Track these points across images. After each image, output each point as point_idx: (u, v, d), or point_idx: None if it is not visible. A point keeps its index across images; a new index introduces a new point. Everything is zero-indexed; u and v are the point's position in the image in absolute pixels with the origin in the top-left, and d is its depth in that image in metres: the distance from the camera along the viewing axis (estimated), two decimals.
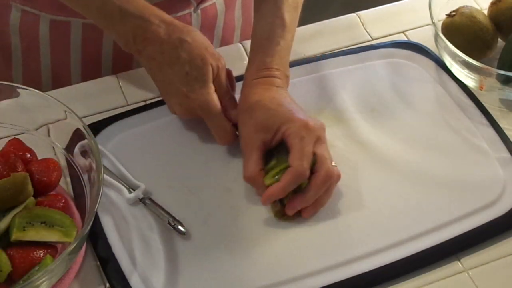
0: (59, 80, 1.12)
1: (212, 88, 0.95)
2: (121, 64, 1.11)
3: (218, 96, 0.96)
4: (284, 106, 0.94)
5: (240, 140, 0.95)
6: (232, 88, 1.00)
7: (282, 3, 1.00)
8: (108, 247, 0.89)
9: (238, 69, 1.06)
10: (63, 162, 0.93)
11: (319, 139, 0.92)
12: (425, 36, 1.12)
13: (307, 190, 0.90)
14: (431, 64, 1.09)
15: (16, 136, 0.93)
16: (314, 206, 0.92)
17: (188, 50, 0.94)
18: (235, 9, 1.18)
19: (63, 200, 0.88)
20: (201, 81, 0.94)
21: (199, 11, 1.12)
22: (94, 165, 0.87)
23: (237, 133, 0.97)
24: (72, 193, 0.93)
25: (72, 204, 0.91)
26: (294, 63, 1.07)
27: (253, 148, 0.93)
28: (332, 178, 0.91)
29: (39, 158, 0.92)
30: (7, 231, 0.84)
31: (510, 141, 1.00)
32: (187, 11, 1.11)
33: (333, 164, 0.92)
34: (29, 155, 0.91)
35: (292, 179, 0.89)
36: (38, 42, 1.11)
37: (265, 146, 0.93)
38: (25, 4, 1.08)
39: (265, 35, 0.99)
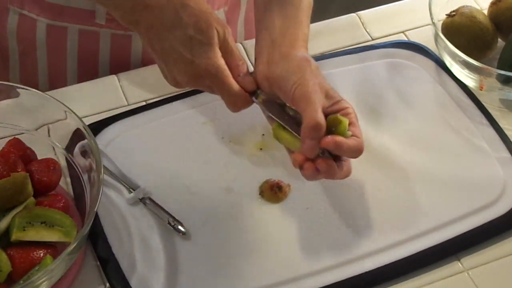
0: (56, 84, 1.12)
1: (218, 52, 0.90)
2: (118, 70, 1.10)
3: (226, 62, 0.90)
4: (308, 70, 0.90)
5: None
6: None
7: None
8: (108, 247, 0.89)
9: None
10: (63, 162, 0.93)
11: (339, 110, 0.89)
12: (425, 36, 1.12)
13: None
14: (431, 64, 1.09)
15: (16, 136, 0.93)
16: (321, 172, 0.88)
17: (191, 13, 0.89)
18: (237, 24, 1.18)
19: (63, 200, 0.88)
20: (207, 44, 0.89)
21: None
22: (94, 165, 0.87)
23: (253, 98, 0.92)
24: (72, 193, 0.93)
25: (72, 204, 0.91)
26: None
27: (319, 103, 0.88)
28: (357, 151, 0.88)
29: (39, 158, 0.92)
30: (7, 231, 0.84)
31: (510, 141, 1.00)
32: None
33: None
34: (29, 155, 0.91)
35: (309, 134, 0.86)
36: (35, 46, 1.10)
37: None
38: (23, 8, 1.08)
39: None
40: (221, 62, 0.89)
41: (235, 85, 0.90)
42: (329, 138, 0.86)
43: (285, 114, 0.91)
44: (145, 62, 1.12)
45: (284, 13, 0.95)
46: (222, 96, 0.91)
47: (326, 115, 0.88)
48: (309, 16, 0.97)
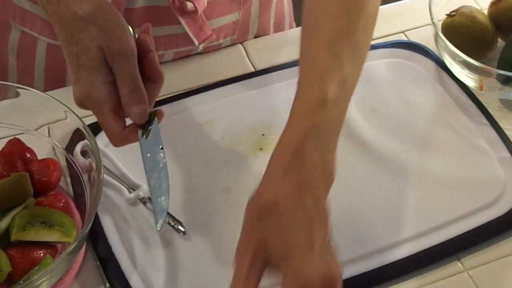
0: None
1: (100, 78, 0.79)
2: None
3: (119, 87, 0.80)
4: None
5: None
6: (153, 78, 0.83)
7: None
8: (108, 247, 0.89)
9: (238, 69, 1.06)
10: (63, 162, 0.93)
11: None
12: (425, 36, 1.12)
13: None
14: (431, 64, 1.09)
15: (16, 136, 0.93)
16: None
17: (83, 29, 0.80)
18: None
19: (63, 200, 0.88)
20: (87, 67, 0.79)
21: (202, 49, 1.09)
22: (94, 165, 0.87)
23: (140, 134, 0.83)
24: (72, 193, 0.93)
25: (72, 204, 0.91)
26: (295, 63, 1.07)
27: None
28: None
29: (39, 158, 0.92)
30: (7, 231, 0.84)
31: (510, 141, 1.00)
32: (189, 48, 1.09)
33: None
34: (29, 155, 0.91)
35: None
36: (34, 65, 1.09)
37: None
38: (25, 25, 1.06)
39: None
40: (99, 89, 0.79)
41: (111, 121, 0.80)
42: None
43: None
44: None
45: None
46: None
47: None
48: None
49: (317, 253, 0.70)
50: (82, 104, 0.81)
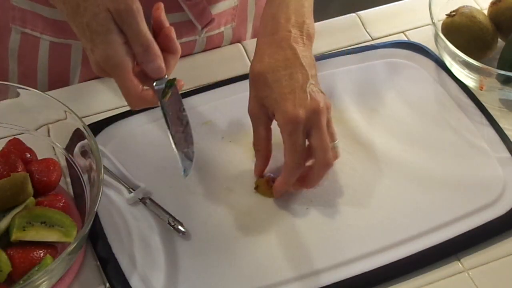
0: None
1: (115, 40, 0.81)
2: None
3: (132, 46, 0.82)
4: (280, 83, 0.90)
5: (248, 107, 0.93)
6: (170, 49, 0.85)
7: None
8: (108, 247, 0.89)
9: (238, 69, 1.06)
10: (63, 162, 0.93)
11: (313, 127, 0.89)
12: (425, 36, 1.12)
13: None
14: (431, 64, 1.09)
15: (16, 136, 0.93)
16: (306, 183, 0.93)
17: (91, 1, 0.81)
18: (246, 40, 1.17)
19: (63, 200, 0.88)
20: (100, 33, 0.81)
21: (204, 38, 1.10)
22: (94, 165, 0.87)
23: (156, 88, 0.84)
24: (72, 193, 0.93)
25: (72, 204, 0.91)
26: None
27: (260, 122, 0.92)
28: (325, 169, 0.91)
29: (39, 158, 0.92)
30: (7, 231, 0.84)
31: (510, 141, 1.00)
32: (192, 38, 1.09)
33: (335, 143, 0.92)
34: (29, 155, 0.91)
35: (287, 175, 0.90)
36: (36, 67, 1.09)
37: (271, 120, 0.92)
38: (25, 27, 1.06)
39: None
40: (116, 51, 0.81)
41: (129, 82, 0.83)
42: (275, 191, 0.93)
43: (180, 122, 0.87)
44: None
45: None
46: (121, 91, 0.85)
47: None
48: None
49: (299, 92, 0.89)
50: (101, 70, 0.83)
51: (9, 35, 1.07)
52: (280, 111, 0.89)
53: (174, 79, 0.85)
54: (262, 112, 0.92)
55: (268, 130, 0.93)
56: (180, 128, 0.85)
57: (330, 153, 0.90)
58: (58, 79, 1.09)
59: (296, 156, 0.89)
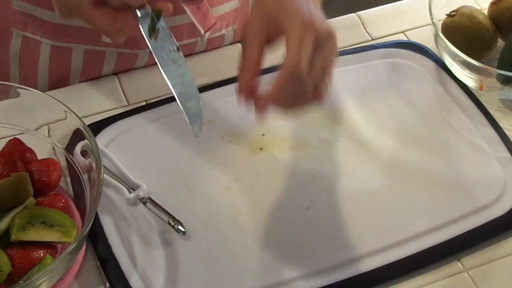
0: None
1: None
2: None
3: None
4: (293, 1, 0.81)
5: (245, 23, 0.83)
6: None
7: None
8: (108, 247, 0.89)
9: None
10: (63, 162, 0.93)
11: (323, 46, 0.80)
12: (425, 36, 1.12)
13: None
14: (431, 64, 1.09)
15: (16, 136, 0.93)
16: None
17: None
18: None
19: (63, 200, 0.88)
20: None
21: (205, 40, 1.10)
22: (94, 165, 0.87)
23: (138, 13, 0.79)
24: (72, 193, 0.93)
25: (72, 204, 0.91)
26: None
27: (256, 39, 0.81)
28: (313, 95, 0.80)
29: (39, 158, 0.92)
30: (7, 231, 0.84)
31: (510, 141, 1.00)
32: (193, 40, 1.09)
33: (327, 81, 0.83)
34: (29, 155, 0.91)
35: (284, 79, 0.78)
36: (37, 71, 1.09)
37: (267, 38, 0.81)
38: (26, 30, 1.06)
39: None
40: None
41: (96, 18, 0.80)
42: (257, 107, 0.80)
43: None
44: None
45: None
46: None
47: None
48: None
49: (315, 10, 0.79)
50: (67, 15, 0.82)
51: (10, 39, 1.07)
52: (295, 17, 0.79)
53: (160, 10, 0.78)
54: (263, 27, 0.81)
55: (262, 52, 0.82)
56: (178, 79, 0.80)
57: (323, 85, 0.81)
58: (58, 83, 1.09)
59: (300, 58, 0.77)
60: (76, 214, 0.90)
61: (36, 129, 0.94)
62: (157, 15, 0.78)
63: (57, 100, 0.91)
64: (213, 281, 0.87)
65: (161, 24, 0.77)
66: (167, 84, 0.79)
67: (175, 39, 0.80)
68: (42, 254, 0.83)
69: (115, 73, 1.09)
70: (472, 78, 1.04)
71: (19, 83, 1.09)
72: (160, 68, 0.79)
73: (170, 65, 0.79)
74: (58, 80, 1.09)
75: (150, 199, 0.92)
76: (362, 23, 1.15)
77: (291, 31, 0.79)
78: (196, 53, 1.11)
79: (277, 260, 0.89)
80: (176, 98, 0.79)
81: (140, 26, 0.78)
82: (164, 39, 0.79)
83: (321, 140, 1.00)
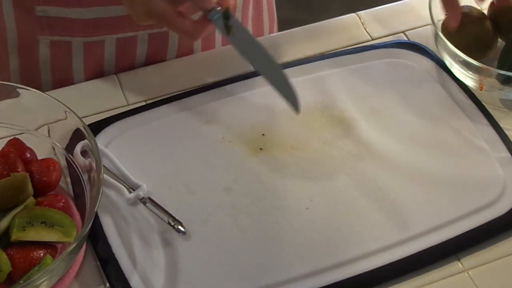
0: None
1: None
2: None
3: None
4: None
5: None
6: None
7: None
8: (108, 247, 0.89)
9: (239, 69, 1.06)
10: (63, 162, 0.93)
11: None
12: (425, 36, 1.12)
13: None
14: (431, 64, 1.09)
15: (16, 136, 0.93)
16: None
17: None
18: None
19: (63, 200, 0.88)
20: None
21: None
22: (94, 165, 0.87)
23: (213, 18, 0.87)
24: (72, 193, 0.93)
25: (72, 204, 0.91)
26: (294, 63, 1.07)
27: None
28: None
29: (39, 158, 0.92)
30: (7, 231, 0.84)
31: (510, 141, 1.00)
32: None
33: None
34: (29, 155, 0.91)
35: None
36: (72, 70, 1.08)
37: None
38: (55, 34, 1.05)
39: None
40: (157, 2, 0.86)
41: (179, 22, 0.87)
42: None
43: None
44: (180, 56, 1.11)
45: None
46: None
47: None
48: None
49: None
50: (144, 20, 0.89)
51: (37, 47, 1.06)
52: None
53: (227, 9, 0.86)
54: None
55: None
56: (262, 60, 0.87)
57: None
58: (94, 78, 1.08)
59: None
60: (76, 214, 0.90)
61: (36, 129, 0.94)
62: (226, 14, 0.86)
63: (57, 100, 0.91)
64: (213, 281, 0.87)
65: (235, 23, 0.86)
66: (260, 74, 0.87)
67: (250, 32, 0.87)
68: (42, 254, 0.83)
69: (145, 65, 1.10)
70: (472, 78, 1.04)
71: (51, 89, 1.09)
72: (249, 61, 0.87)
73: (252, 54, 0.86)
74: (94, 75, 1.09)
75: (150, 199, 0.92)
76: (362, 23, 1.15)
77: None
78: (196, 53, 1.11)
79: (277, 260, 0.89)
80: (273, 87, 0.87)
81: (216, 26, 0.86)
82: (241, 34, 0.87)
83: (321, 140, 1.00)
